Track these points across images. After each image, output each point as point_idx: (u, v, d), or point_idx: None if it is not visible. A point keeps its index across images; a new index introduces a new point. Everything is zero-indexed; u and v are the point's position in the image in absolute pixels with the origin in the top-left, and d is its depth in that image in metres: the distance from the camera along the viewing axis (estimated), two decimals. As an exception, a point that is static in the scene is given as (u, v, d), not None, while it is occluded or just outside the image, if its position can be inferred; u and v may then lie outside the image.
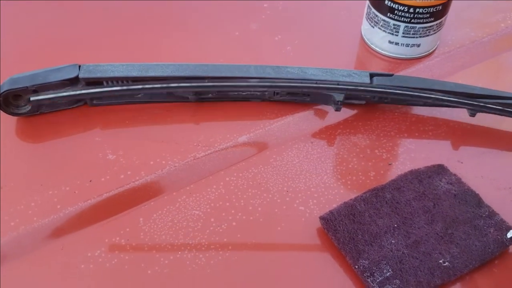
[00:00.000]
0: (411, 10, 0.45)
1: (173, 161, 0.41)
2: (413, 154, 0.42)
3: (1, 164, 0.41)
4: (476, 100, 0.42)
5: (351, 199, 0.38)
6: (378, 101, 0.45)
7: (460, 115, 0.45)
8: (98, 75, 0.43)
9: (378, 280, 0.34)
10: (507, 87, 0.45)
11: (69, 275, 0.35)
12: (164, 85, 0.42)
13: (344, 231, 0.36)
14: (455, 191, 0.39)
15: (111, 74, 0.43)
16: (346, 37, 0.53)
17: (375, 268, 0.34)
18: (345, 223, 0.36)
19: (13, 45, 0.51)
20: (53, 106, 0.44)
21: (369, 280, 0.34)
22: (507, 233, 0.36)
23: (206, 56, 0.48)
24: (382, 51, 0.50)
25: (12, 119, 0.44)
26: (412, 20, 0.46)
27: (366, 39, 0.51)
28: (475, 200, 0.38)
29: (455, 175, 0.40)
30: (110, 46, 0.51)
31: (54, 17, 0.54)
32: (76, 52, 0.49)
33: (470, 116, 0.43)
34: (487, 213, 0.37)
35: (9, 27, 0.52)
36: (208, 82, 0.42)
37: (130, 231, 0.37)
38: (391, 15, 0.46)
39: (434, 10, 0.45)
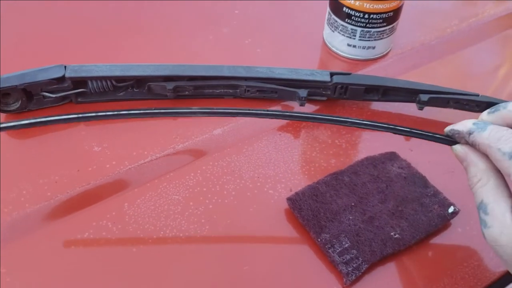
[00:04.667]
0: (366, 16, 0.50)
1: (154, 152, 0.45)
2: (369, 143, 0.48)
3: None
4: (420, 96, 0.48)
5: (314, 182, 0.43)
6: (337, 97, 0.50)
7: (410, 109, 0.51)
8: (83, 74, 0.46)
9: (338, 251, 0.39)
10: (451, 84, 0.51)
11: (60, 256, 0.39)
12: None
13: (308, 209, 0.41)
14: (405, 174, 0.44)
15: (95, 74, 0.46)
16: (310, 41, 0.58)
17: (335, 240, 0.39)
18: (309, 203, 0.41)
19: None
20: (41, 103, 0.47)
21: (330, 251, 0.39)
22: (448, 209, 0.42)
23: (184, 58, 0.53)
24: (342, 53, 0.55)
25: None
26: (367, 25, 0.51)
27: (327, 42, 0.56)
28: (422, 182, 0.44)
29: (405, 160, 0.45)
30: (94, 48, 0.55)
31: (40, 19, 0.57)
32: (61, 54, 0.53)
33: (419, 109, 0.49)
34: (432, 192, 0.43)
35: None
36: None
37: (116, 215, 0.41)
38: (348, 21, 0.51)
39: (386, 16, 0.51)
